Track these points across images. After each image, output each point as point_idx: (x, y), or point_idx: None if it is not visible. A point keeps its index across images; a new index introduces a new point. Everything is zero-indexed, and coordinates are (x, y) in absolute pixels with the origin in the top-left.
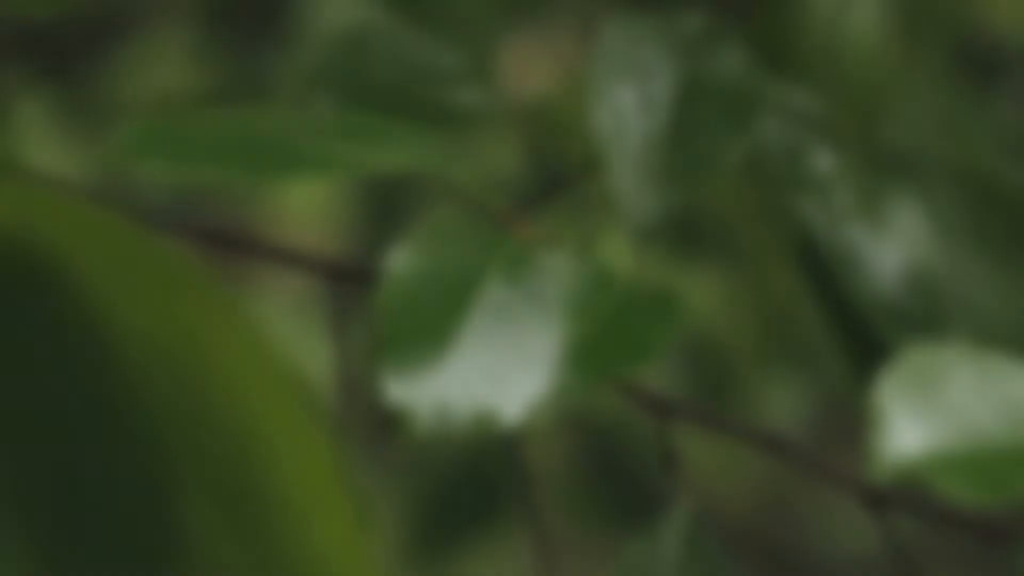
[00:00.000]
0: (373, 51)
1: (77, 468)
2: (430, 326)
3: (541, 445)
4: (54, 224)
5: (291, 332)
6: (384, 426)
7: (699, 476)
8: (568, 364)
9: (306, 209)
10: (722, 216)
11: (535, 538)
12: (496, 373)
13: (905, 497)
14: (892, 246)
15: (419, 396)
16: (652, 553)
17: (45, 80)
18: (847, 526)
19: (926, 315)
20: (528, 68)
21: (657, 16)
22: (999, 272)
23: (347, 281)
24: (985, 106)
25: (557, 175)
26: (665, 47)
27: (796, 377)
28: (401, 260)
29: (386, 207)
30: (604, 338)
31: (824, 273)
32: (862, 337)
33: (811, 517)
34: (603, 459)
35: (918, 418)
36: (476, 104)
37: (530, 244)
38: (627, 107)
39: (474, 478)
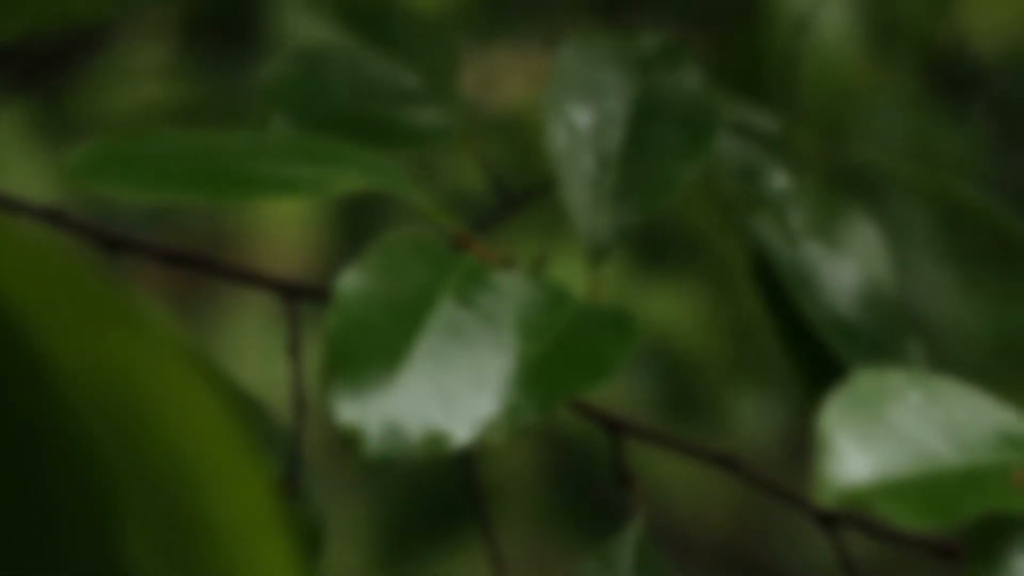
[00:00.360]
0: (331, 71)
1: (14, 497)
2: (381, 346)
3: (506, 458)
4: None
5: (265, 350)
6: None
7: (676, 492)
8: (521, 384)
9: (286, 227)
10: (692, 232)
11: (489, 553)
12: (447, 393)
13: (855, 515)
14: (848, 265)
15: (369, 416)
16: (604, 568)
17: (20, 95)
18: (823, 544)
19: (882, 334)
20: (504, 83)
21: (614, 35)
22: (971, 288)
23: (306, 300)
24: (958, 120)
25: (515, 194)
26: (621, 66)
27: (767, 393)
28: (350, 281)
29: (360, 226)
30: (558, 358)
31: (779, 291)
32: (817, 356)
33: (790, 534)
34: (568, 472)
35: (864, 443)
36: (435, 124)
37: (484, 264)
38: (582, 126)
39: (437, 491)
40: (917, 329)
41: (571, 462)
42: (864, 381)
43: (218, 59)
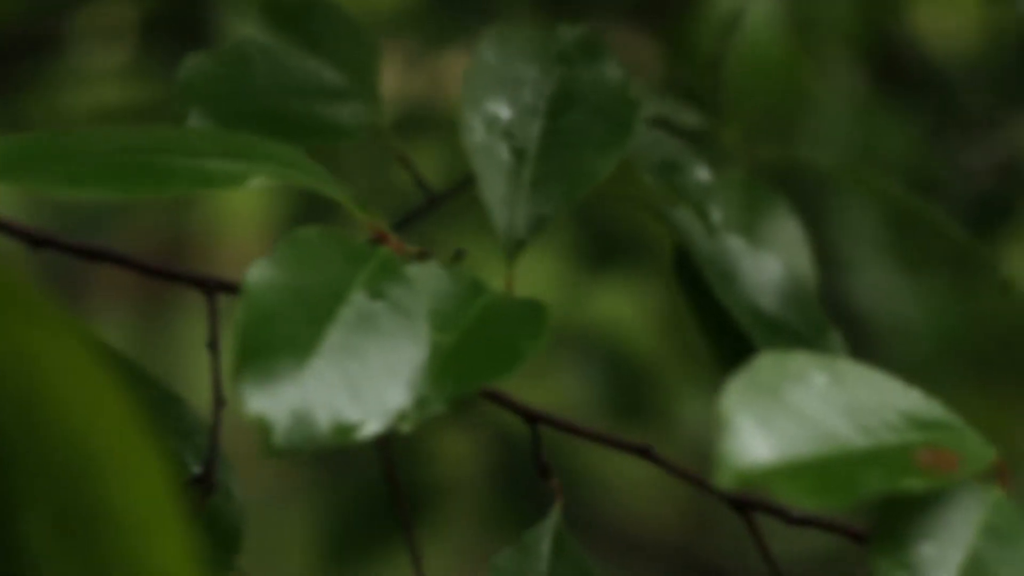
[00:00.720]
0: (250, 67)
1: None
2: (291, 338)
3: (453, 458)
4: None
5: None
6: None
7: (631, 492)
8: (431, 375)
9: (247, 227)
10: (640, 231)
11: (410, 555)
12: (357, 384)
13: (768, 501)
14: (769, 259)
15: (277, 407)
16: (522, 560)
17: None
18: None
19: (804, 327)
20: (455, 83)
21: (533, 29)
22: (915, 287)
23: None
24: (904, 118)
25: (434, 189)
26: (540, 59)
27: (714, 389)
28: (260, 274)
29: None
30: (469, 349)
31: (700, 284)
32: (738, 348)
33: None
34: (513, 471)
35: (764, 425)
36: (355, 119)
37: (398, 257)
38: (500, 119)
39: (380, 493)
40: (863, 327)
41: (516, 461)
42: (766, 364)
43: (174, 60)
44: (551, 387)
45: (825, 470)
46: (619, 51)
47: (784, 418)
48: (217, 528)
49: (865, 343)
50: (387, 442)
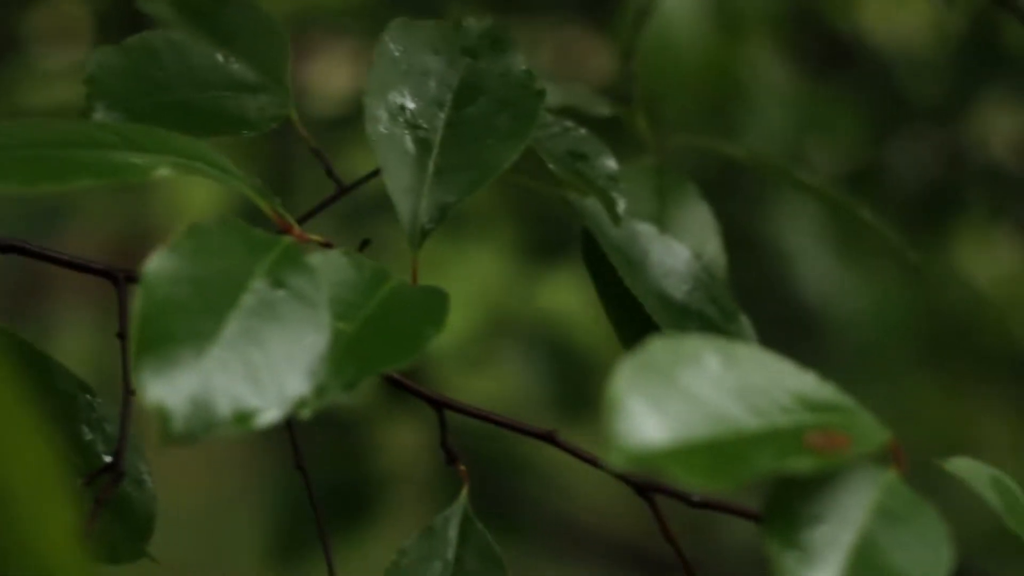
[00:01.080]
0: (157, 61)
1: None
2: (190, 326)
3: (403, 448)
4: None
5: None
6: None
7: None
8: (332, 362)
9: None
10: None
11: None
12: (257, 372)
13: (670, 484)
14: (679, 246)
15: (176, 395)
16: (429, 545)
17: None
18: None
19: (713, 312)
20: None
21: (438, 22)
22: (859, 273)
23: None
24: (852, 107)
25: (342, 180)
26: (445, 52)
27: None
28: (158, 264)
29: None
30: (370, 336)
31: (607, 271)
32: (646, 332)
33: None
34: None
35: (655, 406)
36: (265, 111)
37: (301, 247)
38: (404, 110)
39: (332, 486)
40: (811, 319)
41: (465, 452)
42: (658, 346)
43: None
44: (501, 379)
45: (716, 451)
46: (569, 47)
47: (676, 400)
48: (128, 515)
49: (814, 334)
50: (296, 443)
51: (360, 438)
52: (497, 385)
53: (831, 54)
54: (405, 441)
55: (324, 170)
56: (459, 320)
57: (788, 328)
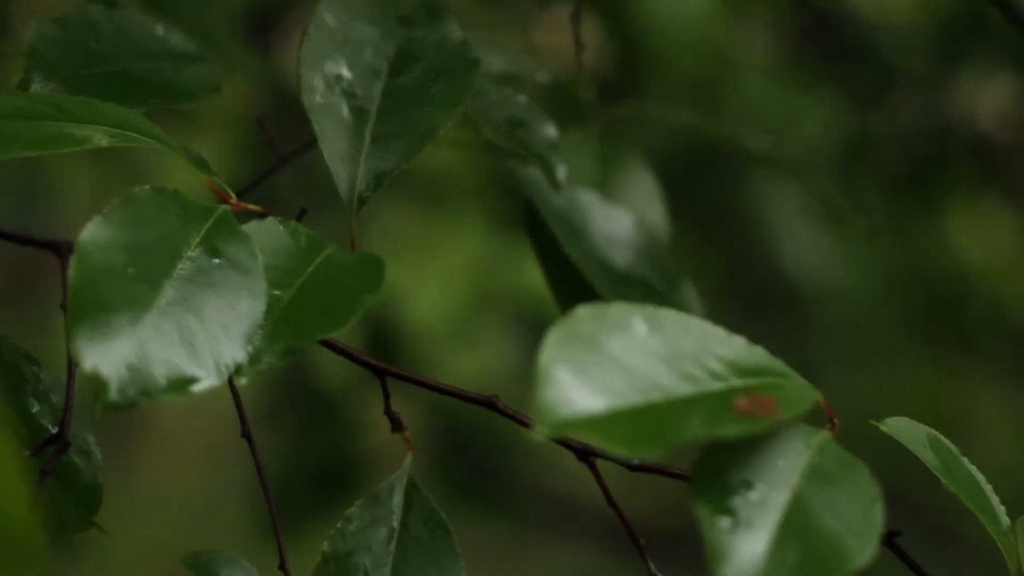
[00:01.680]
0: (94, 32)
1: None
2: (125, 295)
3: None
4: None
5: None
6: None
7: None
8: (268, 329)
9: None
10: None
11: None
12: (193, 339)
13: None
14: (621, 214)
15: (111, 363)
16: (373, 512)
17: None
18: None
19: (656, 280)
20: None
21: None
22: (840, 247)
23: None
24: (839, 81)
25: (282, 152)
26: (380, 21)
27: None
28: (92, 232)
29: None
30: (305, 303)
31: (547, 237)
32: (588, 300)
33: None
34: (448, 441)
35: (582, 375)
36: (204, 81)
37: (236, 216)
38: (340, 79)
39: (319, 462)
40: (794, 293)
41: (452, 430)
42: (585, 315)
43: None
44: (486, 354)
45: (642, 419)
46: (557, 27)
47: (603, 368)
48: (76, 485)
49: (798, 308)
50: (242, 414)
51: (344, 415)
52: (482, 360)
53: (817, 28)
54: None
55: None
56: (443, 296)
57: (772, 302)
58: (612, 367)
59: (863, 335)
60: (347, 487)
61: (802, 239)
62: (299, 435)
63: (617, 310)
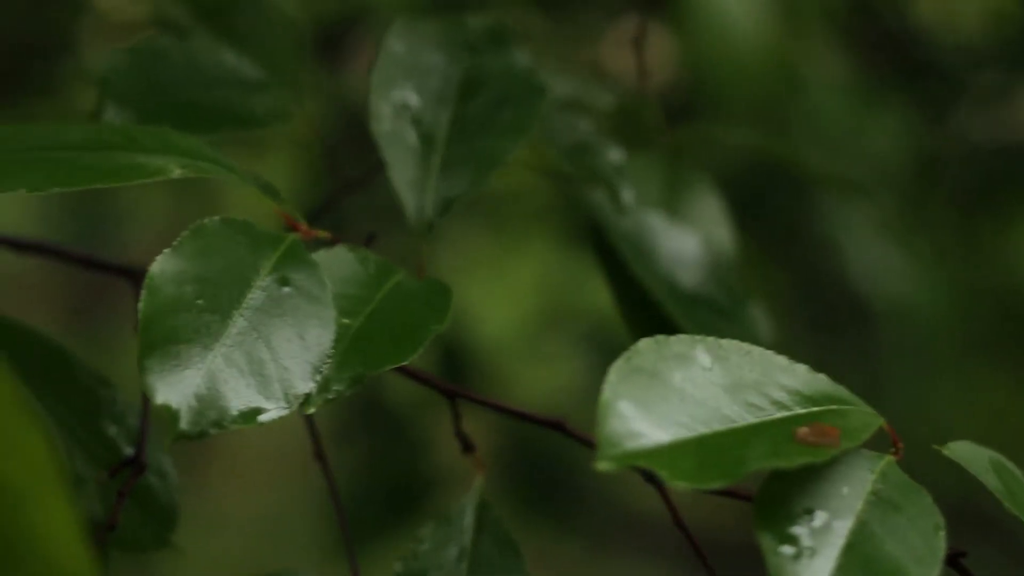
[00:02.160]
0: (165, 62)
1: None
2: (196, 326)
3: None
4: None
5: None
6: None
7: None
8: (337, 358)
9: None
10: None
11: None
12: (263, 369)
13: None
14: (689, 236)
15: (182, 394)
16: (445, 533)
17: None
18: None
19: (724, 301)
20: None
21: (440, 19)
22: (911, 264)
23: None
24: (907, 97)
25: (350, 178)
26: (447, 48)
27: None
28: (163, 265)
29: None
30: (374, 331)
31: (615, 259)
32: (659, 324)
33: None
34: (521, 460)
35: (646, 407)
36: (271, 109)
37: (306, 244)
38: (408, 107)
39: (388, 481)
40: (863, 310)
41: (523, 452)
42: (647, 347)
43: None
44: (556, 371)
45: (706, 449)
46: (625, 41)
47: (666, 399)
48: (151, 505)
49: (867, 325)
50: (315, 436)
51: (414, 433)
52: (551, 377)
53: (884, 45)
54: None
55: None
56: (512, 314)
57: (841, 320)
58: (675, 399)
59: (933, 351)
60: (416, 506)
61: (871, 256)
62: (369, 454)
63: (679, 342)
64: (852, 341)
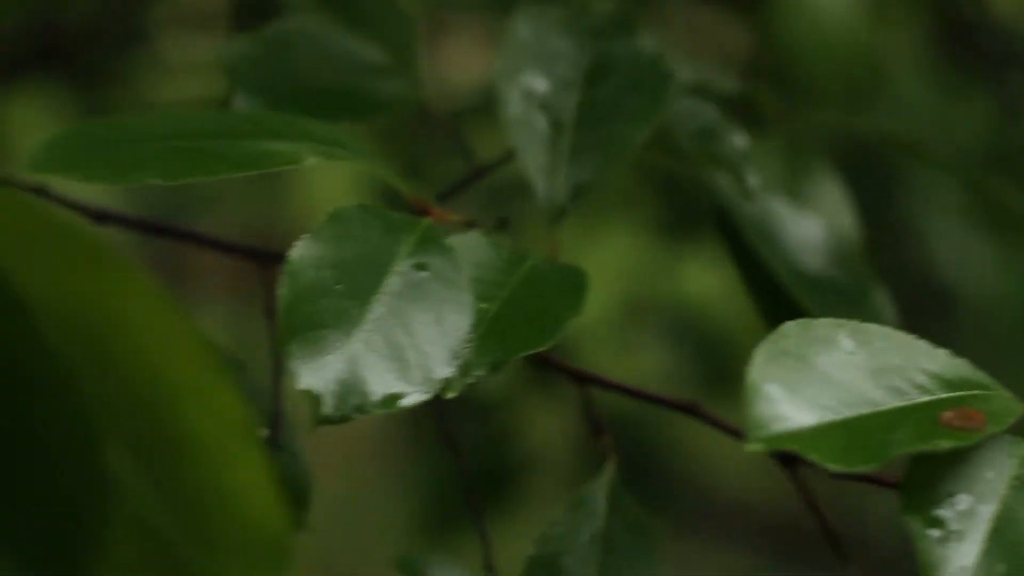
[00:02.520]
0: (293, 48)
1: (7, 426)
2: (336, 311)
3: (542, 431)
4: None
5: None
6: None
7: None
8: (477, 342)
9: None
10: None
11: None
12: (403, 354)
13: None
14: (812, 220)
15: (325, 379)
16: (578, 517)
17: (70, 86)
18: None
19: (848, 286)
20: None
21: (566, 4)
22: (998, 250)
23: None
24: (988, 89)
25: (480, 162)
26: (574, 33)
27: None
28: (302, 250)
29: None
30: (512, 316)
31: (742, 245)
32: (786, 307)
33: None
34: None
35: (792, 389)
36: (399, 94)
37: (442, 228)
38: (536, 92)
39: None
40: (948, 297)
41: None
42: (792, 330)
43: None
44: (641, 360)
45: (853, 432)
46: (699, 30)
47: (812, 383)
48: (287, 487)
49: (951, 313)
50: (442, 420)
51: (502, 421)
52: (637, 366)
53: (963, 35)
54: (545, 424)
55: (458, 154)
56: (598, 302)
57: (928, 308)
58: (821, 382)
59: (1019, 341)
60: (501, 492)
61: (960, 244)
62: (454, 441)
63: (823, 326)
64: (937, 329)
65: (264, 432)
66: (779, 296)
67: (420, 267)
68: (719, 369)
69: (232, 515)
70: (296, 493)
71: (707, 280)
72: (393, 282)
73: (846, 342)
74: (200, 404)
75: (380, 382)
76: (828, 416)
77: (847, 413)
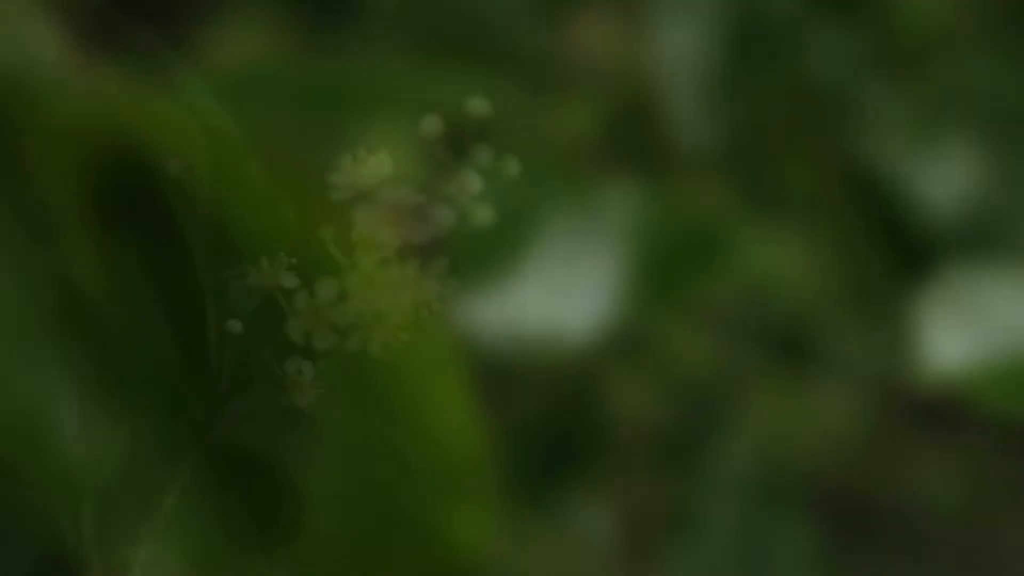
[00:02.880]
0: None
1: None
2: (498, 256)
3: (627, 401)
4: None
5: None
6: None
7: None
8: (629, 288)
9: None
10: (796, 179)
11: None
12: (561, 297)
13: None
14: (945, 176)
15: (489, 320)
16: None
17: (139, 45)
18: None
19: (982, 240)
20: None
21: None
22: None
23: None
24: None
25: (622, 119)
26: None
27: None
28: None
29: None
30: (663, 265)
31: (877, 201)
32: (916, 261)
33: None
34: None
35: (957, 330)
36: (541, 50)
37: (593, 180)
38: (683, 43)
39: (562, 429)
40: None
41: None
42: (957, 275)
43: (330, 17)
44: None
45: (1017, 375)
46: None
47: (976, 323)
48: None
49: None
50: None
51: (580, 389)
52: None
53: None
54: (626, 394)
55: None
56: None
57: None
58: (984, 323)
59: None
60: (582, 463)
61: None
62: (533, 404)
63: (984, 271)
64: None
65: None
66: (910, 250)
67: (576, 216)
68: (790, 345)
69: (441, 450)
70: None
71: (780, 257)
72: (550, 230)
73: (1006, 287)
74: (409, 346)
75: (541, 325)
76: (995, 357)
77: (1013, 356)
